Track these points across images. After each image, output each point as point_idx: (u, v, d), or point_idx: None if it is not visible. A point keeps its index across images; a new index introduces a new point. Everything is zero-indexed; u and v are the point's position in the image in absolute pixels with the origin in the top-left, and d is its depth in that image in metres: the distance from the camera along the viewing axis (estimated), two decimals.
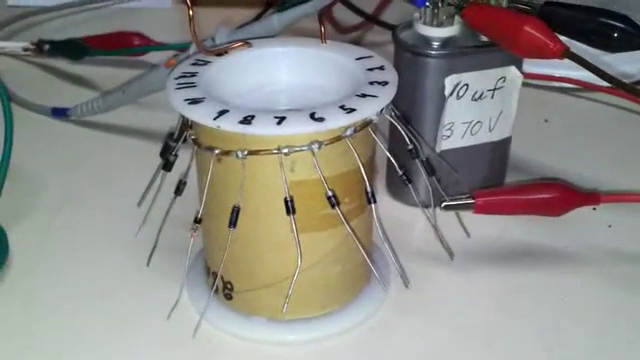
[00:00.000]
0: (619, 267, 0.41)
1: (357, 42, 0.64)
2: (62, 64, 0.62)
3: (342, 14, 0.64)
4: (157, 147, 0.39)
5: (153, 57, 0.61)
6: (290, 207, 0.33)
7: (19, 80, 0.59)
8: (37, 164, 0.49)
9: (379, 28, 0.64)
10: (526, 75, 0.44)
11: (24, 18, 0.70)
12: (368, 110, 0.33)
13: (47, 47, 0.62)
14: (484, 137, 0.44)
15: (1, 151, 0.41)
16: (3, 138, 0.42)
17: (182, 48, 0.52)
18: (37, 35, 0.65)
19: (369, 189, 0.34)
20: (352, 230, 0.34)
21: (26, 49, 0.63)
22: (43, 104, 0.55)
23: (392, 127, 0.36)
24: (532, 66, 0.54)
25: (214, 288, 0.36)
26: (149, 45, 0.61)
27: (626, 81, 0.42)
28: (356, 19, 0.65)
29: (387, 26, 0.62)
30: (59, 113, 0.54)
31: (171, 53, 0.54)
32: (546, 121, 0.55)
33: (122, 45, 0.61)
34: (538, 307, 0.38)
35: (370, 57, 0.37)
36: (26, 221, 0.44)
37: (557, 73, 0.57)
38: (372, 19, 0.64)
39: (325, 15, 0.39)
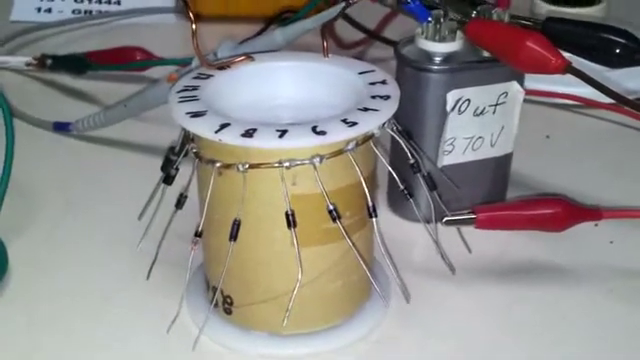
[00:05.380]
0: (621, 283, 0.41)
1: (359, 58, 0.64)
2: (65, 79, 0.62)
3: (344, 30, 0.64)
4: (158, 161, 0.39)
5: (155, 72, 0.61)
6: (291, 221, 0.33)
7: (22, 95, 0.59)
8: (39, 178, 0.49)
9: (381, 44, 0.64)
10: (528, 91, 0.44)
11: (27, 33, 0.70)
12: (370, 124, 0.33)
13: (50, 62, 0.62)
14: (486, 152, 0.44)
15: (2, 165, 0.41)
16: (4, 152, 0.42)
17: (184, 63, 0.52)
18: (40, 50, 0.65)
19: (370, 203, 0.34)
20: (353, 244, 0.34)
21: (29, 64, 0.63)
22: (45, 119, 0.55)
23: (394, 141, 0.36)
24: (534, 82, 0.54)
25: (214, 302, 0.36)
26: (151, 60, 0.61)
27: (628, 97, 0.43)
28: (358, 35, 0.65)
29: (389, 42, 0.62)
30: (61, 128, 0.54)
31: (173, 68, 0.54)
32: (548, 137, 0.55)
33: (124, 60, 0.61)
34: (540, 323, 0.38)
35: (372, 71, 0.37)
36: (27, 235, 0.44)
37: (559, 90, 0.57)
38: (374, 35, 0.64)
39: (327, 30, 0.39)
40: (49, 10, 0.75)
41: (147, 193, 0.40)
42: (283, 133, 0.32)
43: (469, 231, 0.40)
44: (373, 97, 0.35)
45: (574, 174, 0.50)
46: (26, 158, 0.46)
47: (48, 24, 0.72)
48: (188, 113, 0.34)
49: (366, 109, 0.34)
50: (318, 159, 0.32)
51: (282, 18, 0.63)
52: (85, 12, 0.75)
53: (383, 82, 0.36)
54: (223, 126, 0.33)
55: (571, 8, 0.62)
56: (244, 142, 0.32)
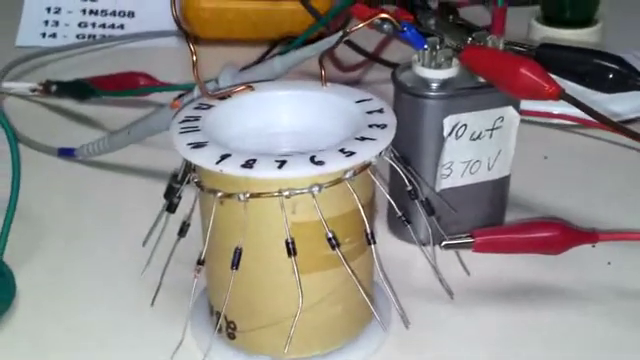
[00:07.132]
0: (619, 304, 0.41)
1: (358, 80, 0.65)
2: (69, 104, 0.63)
3: (343, 52, 0.64)
4: (162, 186, 0.40)
5: (159, 96, 0.61)
6: (291, 249, 0.34)
7: (26, 120, 0.60)
8: (44, 204, 0.50)
9: (380, 66, 0.64)
10: (525, 112, 0.45)
11: (32, 59, 0.71)
12: (367, 153, 0.34)
13: (54, 88, 0.62)
14: (483, 176, 0.45)
15: (8, 191, 0.42)
16: (10, 178, 0.42)
17: (187, 89, 0.52)
18: (45, 75, 0.65)
19: (369, 230, 0.35)
20: (352, 271, 0.35)
21: (34, 90, 0.63)
22: (50, 144, 0.56)
23: (392, 167, 0.37)
24: (531, 103, 0.55)
25: (217, 327, 0.37)
26: (155, 85, 0.61)
27: (614, 120, 0.43)
28: (358, 57, 0.65)
29: (389, 64, 0.63)
30: (66, 153, 0.54)
31: (177, 93, 0.55)
32: (546, 158, 0.56)
33: (128, 85, 0.61)
34: (539, 345, 0.38)
35: (369, 100, 0.38)
36: (33, 261, 0.44)
37: (556, 110, 0.58)
38: (373, 57, 0.65)
39: (327, 54, 0.40)
40: (54, 35, 0.76)
41: (151, 218, 0.41)
42: (282, 164, 0.33)
43: (468, 253, 0.40)
44: (370, 126, 0.36)
45: (572, 194, 0.50)
46: (31, 183, 0.46)
47: (53, 49, 0.73)
48: (189, 144, 0.34)
49: (363, 138, 0.35)
50: (317, 188, 0.33)
51: (287, 42, 0.63)
52: (89, 36, 0.76)
53: (380, 111, 0.37)
54: (224, 157, 0.33)
55: (568, 30, 0.63)
56: (245, 173, 0.33)
